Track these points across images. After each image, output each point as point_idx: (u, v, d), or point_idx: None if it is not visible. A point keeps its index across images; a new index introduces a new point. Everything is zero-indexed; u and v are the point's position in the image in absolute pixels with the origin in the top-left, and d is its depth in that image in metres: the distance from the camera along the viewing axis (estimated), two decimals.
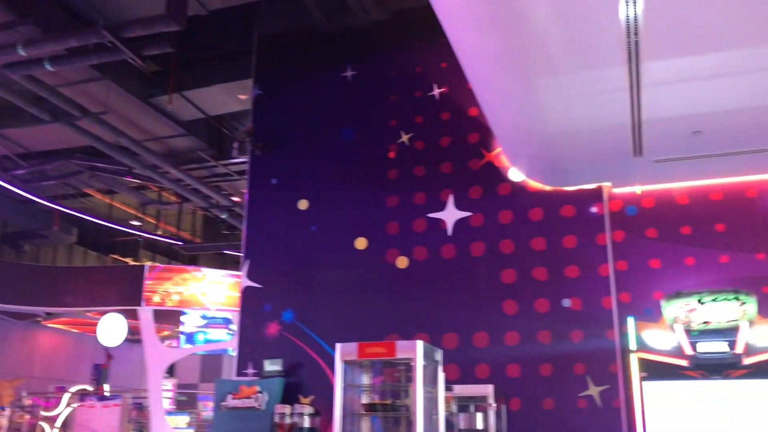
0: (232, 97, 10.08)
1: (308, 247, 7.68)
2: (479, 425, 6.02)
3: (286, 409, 6.51)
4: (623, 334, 6.27)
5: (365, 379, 4.99)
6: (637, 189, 6.83)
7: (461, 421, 6.03)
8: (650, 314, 6.31)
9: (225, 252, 16.25)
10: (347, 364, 4.81)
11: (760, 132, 5.82)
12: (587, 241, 6.78)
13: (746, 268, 6.31)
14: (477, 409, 6.09)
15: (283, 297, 7.58)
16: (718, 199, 6.58)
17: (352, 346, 4.74)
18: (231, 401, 7.00)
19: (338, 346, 4.83)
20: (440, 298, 7.06)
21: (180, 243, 15.53)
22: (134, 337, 14.42)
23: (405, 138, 7.64)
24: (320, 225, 7.70)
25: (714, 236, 6.49)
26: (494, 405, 6.07)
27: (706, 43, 4.66)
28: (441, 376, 4.93)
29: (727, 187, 6.60)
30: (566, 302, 6.68)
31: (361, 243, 7.49)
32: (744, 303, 5.65)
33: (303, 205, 7.84)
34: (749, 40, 4.61)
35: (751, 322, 5.66)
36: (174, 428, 13.45)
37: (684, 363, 5.72)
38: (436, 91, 7.63)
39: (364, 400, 4.91)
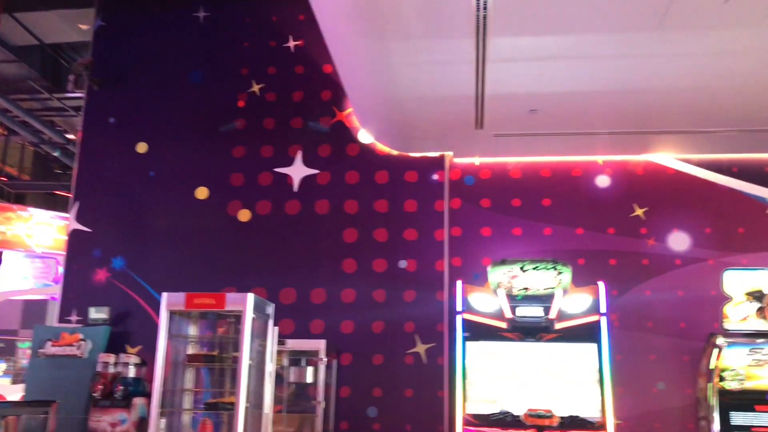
0: (72, 26, 9.28)
1: (145, 192, 7.33)
2: (309, 379, 6.13)
3: (110, 358, 6.24)
4: (452, 296, 6.60)
5: (193, 330, 4.89)
6: (476, 160, 7.16)
7: (291, 375, 6.11)
8: (478, 279, 6.69)
9: (56, 192, 15.14)
10: (175, 314, 4.69)
11: (589, 116, 6.27)
12: (427, 207, 7.03)
13: (566, 241, 6.85)
14: (308, 364, 6.18)
15: (115, 243, 7.22)
16: (547, 176, 7.05)
17: (180, 296, 4.61)
18: (50, 348, 6.63)
19: (164, 295, 4.69)
20: (281, 253, 7.04)
21: (5, 179, 14.26)
22: None
23: (256, 88, 7.45)
24: (159, 170, 7.37)
25: (540, 210, 6.96)
26: (325, 359, 6.19)
27: (548, 26, 4.91)
28: (273, 330, 4.93)
29: (556, 165, 7.08)
30: (403, 263, 6.91)
31: (201, 192, 7.27)
32: (560, 273, 6.10)
33: (142, 148, 7.45)
34: (586, 28, 4.91)
35: (565, 291, 6.14)
36: None
37: (503, 325, 6.09)
38: (292, 44, 7.49)
39: (190, 351, 4.82)
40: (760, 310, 5.84)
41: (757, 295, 5.87)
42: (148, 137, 7.46)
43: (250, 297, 4.54)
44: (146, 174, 7.38)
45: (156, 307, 6.84)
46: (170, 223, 7.21)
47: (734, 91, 5.70)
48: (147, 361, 6.34)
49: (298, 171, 7.23)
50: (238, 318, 4.60)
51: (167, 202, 7.28)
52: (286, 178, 7.22)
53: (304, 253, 7.02)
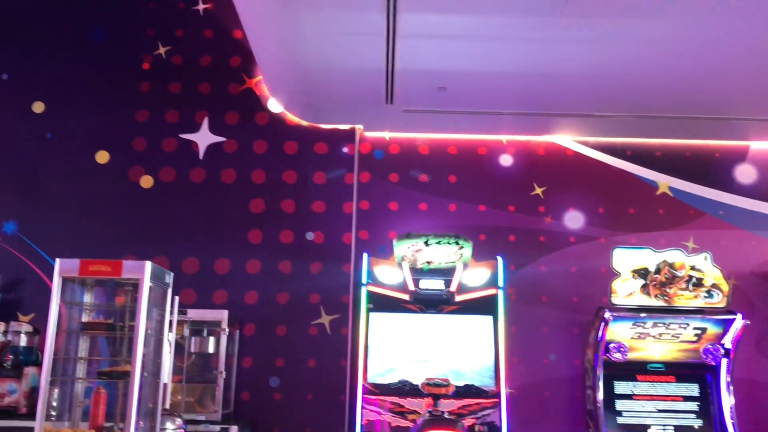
0: None
1: (41, 155, 6.98)
2: (210, 349, 6.10)
3: (0, 326, 6.00)
4: (357, 269, 6.68)
5: (89, 298, 4.75)
6: (386, 135, 7.22)
7: (192, 345, 6.05)
8: (384, 252, 6.79)
9: None
10: (69, 281, 4.54)
11: (495, 96, 6.43)
12: (336, 179, 7.04)
13: (469, 217, 7.04)
14: (210, 334, 6.13)
15: (6, 206, 6.86)
16: (454, 153, 7.20)
17: (74, 263, 4.46)
18: None
19: (58, 261, 4.53)
20: (184, 222, 6.90)
21: None
22: None
23: (162, 50, 7.21)
24: (57, 132, 7.03)
25: (446, 186, 7.11)
26: (227, 330, 6.15)
27: (456, 4, 4.98)
28: (172, 299, 4.85)
29: (462, 142, 7.23)
30: (310, 235, 6.92)
31: (102, 156, 7.00)
32: (462, 247, 6.29)
33: (38, 107, 7.08)
34: (492, 9, 5.00)
35: (466, 265, 6.34)
36: None
37: (406, 297, 6.25)
38: (201, 6, 7.27)
39: (85, 319, 4.69)
40: (644, 286, 6.22)
41: (642, 273, 6.24)
42: (45, 96, 7.09)
43: (148, 265, 4.45)
44: (43, 135, 7.02)
45: (50, 274, 6.56)
46: (68, 188, 6.91)
47: (630, 79, 5.97)
48: (40, 330, 6.11)
49: (204, 138, 7.08)
50: (135, 286, 4.50)
51: (65, 166, 6.96)
52: (192, 144, 7.06)
53: (209, 222, 6.91)
